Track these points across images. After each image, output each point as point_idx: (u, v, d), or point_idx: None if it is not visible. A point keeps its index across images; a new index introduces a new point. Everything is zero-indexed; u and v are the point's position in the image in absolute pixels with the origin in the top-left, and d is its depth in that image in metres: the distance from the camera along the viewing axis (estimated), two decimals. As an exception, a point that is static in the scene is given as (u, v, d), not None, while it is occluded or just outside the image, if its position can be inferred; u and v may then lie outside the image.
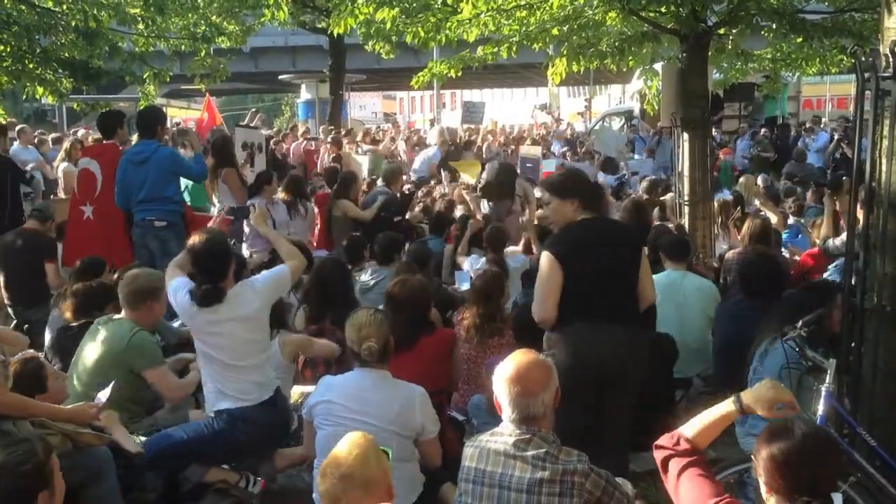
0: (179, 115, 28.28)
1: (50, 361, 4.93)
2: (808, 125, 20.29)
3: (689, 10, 7.10)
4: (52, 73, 10.01)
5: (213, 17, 12.58)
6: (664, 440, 2.80)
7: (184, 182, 7.45)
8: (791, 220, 8.94)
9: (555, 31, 8.07)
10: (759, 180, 12.55)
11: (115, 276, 5.44)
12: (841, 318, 4.31)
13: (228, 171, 8.05)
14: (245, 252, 7.64)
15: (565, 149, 20.83)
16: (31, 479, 2.53)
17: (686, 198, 7.96)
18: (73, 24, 9.52)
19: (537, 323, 4.08)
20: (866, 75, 4.25)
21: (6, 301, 6.94)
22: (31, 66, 9.76)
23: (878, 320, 4.21)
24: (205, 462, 4.33)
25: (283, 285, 4.52)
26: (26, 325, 6.56)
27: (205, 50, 11.84)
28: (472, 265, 6.93)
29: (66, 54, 9.91)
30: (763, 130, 19.03)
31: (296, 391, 5.03)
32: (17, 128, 12.66)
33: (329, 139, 15.31)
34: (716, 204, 8.38)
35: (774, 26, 7.69)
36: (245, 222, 7.44)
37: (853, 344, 4.27)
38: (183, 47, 11.70)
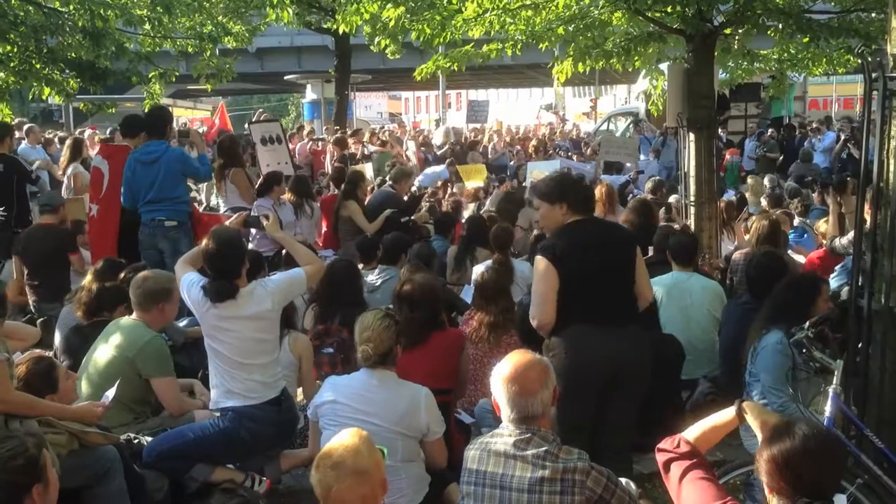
0: (185, 115, 28.40)
1: (59, 359, 4.94)
2: (815, 125, 20.23)
3: (695, 9, 7.09)
4: (59, 73, 10.06)
5: (219, 18, 12.61)
6: (665, 443, 2.81)
7: None
8: (797, 221, 8.91)
9: (560, 31, 8.07)
10: (766, 181, 12.53)
11: (122, 276, 5.45)
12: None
13: (236, 172, 8.08)
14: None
15: (567, 143, 20.84)
16: (22, 473, 2.54)
17: (692, 198, 7.94)
18: (80, 24, 9.56)
19: (535, 328, 4.05)
20: (874, 75, 4.24)
21: (29, 295, 7.00)
22: (37, 66, 9.80)
23: (886, 322, 4.21)
24: (210, 462, 4.33)
25: (297, 288, 4.53)
26: (42, 319, 6.59)
27: (210, 50, 11.86)
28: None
29: (73, 54, 9.95)
30: (770, 131, 18.99)
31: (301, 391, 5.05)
32: (25, 127, 12.69)
33: (332, 139, 15.31)
34: (721, 204, 8.36)
35: (781, 26, 7.68)
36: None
37: (860, 345, 4.26)
38: (189, 48, 11.71)
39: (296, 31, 24.54)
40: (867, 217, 4.40)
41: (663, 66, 9.58)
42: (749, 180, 12.82)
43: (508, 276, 5.39)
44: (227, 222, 5.20)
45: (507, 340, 4.99)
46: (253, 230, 7.69)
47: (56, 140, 13.69)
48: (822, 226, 8.10)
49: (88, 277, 5.44)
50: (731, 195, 10.65)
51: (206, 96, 33.73)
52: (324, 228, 9.08)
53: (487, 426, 4.52)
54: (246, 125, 19.43)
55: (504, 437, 2.97)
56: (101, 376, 4.42)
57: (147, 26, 10.55)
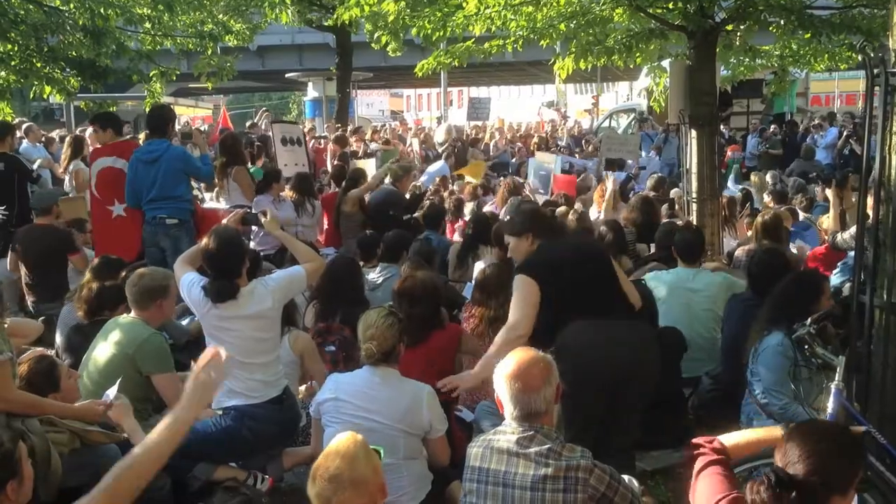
0: (187, 113, 28.38)
1: (61, 358, 4.94)
2: (816, 121, 20.19)
3: (696, 6, 7.08)
4: (60, 71, 10.06)
5: (220, 16, 12.60)
6: (700, 439, 2.80)
7: None
8: (801, 217, 8.90)
9: (562, 27, 8.07)
10: (768, 177, 12.52)
11: (123, 274, 5.45)
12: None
13: (238, 170, 8.10)
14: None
15: (568, 139, 20.81)
16: None
17: (694, 195, 7.94)
18: (81, 23, 9.56)
19: (514, 339, 3.99)
20: (875, 71, 4.23)
21: (28, 296, 7.00)
22: (38, 64, 9.80)
23: (888, 317, 4.20)
24: (213, 460, 4.33)
25: (297, 286, 4.53)
26: (41, 318, 6.60)
27: (211, 48, 11.85)
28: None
29: (74, 53, 9.95)
30: (772, 127, 18.96)
31: (303, 390, 5.05)
32: (25, 125, 12.70)
33: (332, 137, 15.30)
34: (723, 201, 8.35)
35: (782, 22, 7.68)
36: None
37: (862, 341, 4.25)
38: (190, 46, 11.71)
39: (297, 28, 24.55)
40: (869, 213, 4.39)
41: (665, 63, 9.58)
42: (753, 177, 12.82)
43: (509, 273, 5.36)
44: (224, 220, 5.19)
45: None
46: (255, 228, 7.71)
47: (57, 139, 13.70)
48: (825, 221, 8.09)
49: (87, 276, 5.44)
50: (735, 192, 10.64)
51: (208, 94, 33.77)
52: (325, 226, 9.09)
53: (488, 424, 4.51)
54: (247, 123, 19.42)
55: (507, 434, 2.97)
56: (102, 374, 4.41)
57: (147, 25, 10.55)
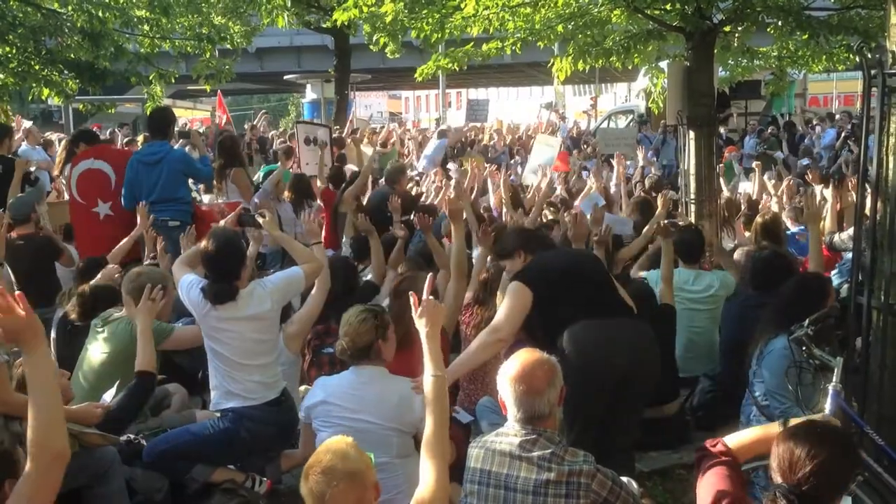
0: (185, 115, 28.37)
1: (55, 361, 4.93)
2: (814, 122, 20.20)
3: (694, 7, 7.09)
4: (58, 74, 10.06)
5: (219, 18, 12.61)
6: (707, 442, 2.80)
7: None
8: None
9: (560, 29, 8.08)
10: (766, 178, 12.51)
11: (118, 274, 5.44)
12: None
13: (237, 171, 8.10)
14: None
15: (567, 141, 20.80)
16: None
17: (692, 196, 7.94)
18: (79, 25, 9.56)
19: (494, 341, 4.02)
20: (873, 72, 4.24)
21: None
22: (37, 67, 9.81)
23: (885, 318, 4.20)
24: (211, 462, 4.33)
25: (296, 287, 4.53)
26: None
27: (210, 51, 11.86)
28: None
29: (72, 55, 9.96)
30: (770, 128, 18.98)
31: (303, 390, 5.03)
32: (24, 127, 12.69)
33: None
34: (721, 202, 8.36)
35: (780, 23, 7.69)
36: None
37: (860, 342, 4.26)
38: (188, 48, 11.71)
39: (295, 30, 24.54)
40: (867, 213, 4.40)
41: (663, 64, 9.58)
42: (753, 165, 12.79)
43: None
44: (221, 222, 5.19)
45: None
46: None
47: (56, 141, 13.68)
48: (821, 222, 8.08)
49: (75, 280, 5.43)
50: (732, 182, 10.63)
51: (206, 96, 33.75)
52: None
53: (487, 423, 4.51)
54: (245, 125, 19.41)
55: (509, 436, 2.96)
56: (97, 374, 4.40)
57: (146, 27, 10.55)
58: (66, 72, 10.07)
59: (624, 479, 3.05)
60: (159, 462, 4.18)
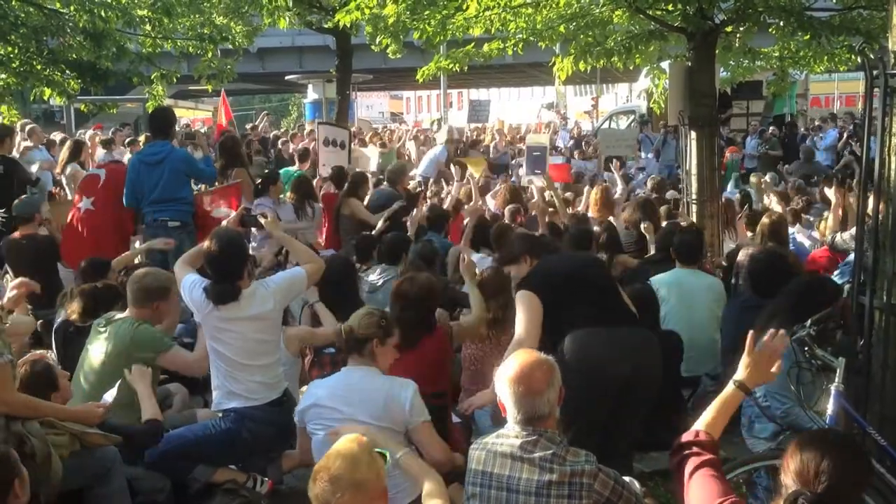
0: (187, 115, 28.38)
1: (57, 361, 4.93)
2: (816, 123, 20.18)
3: (696, 7, 7.09)
4: (60, 74, 10.07)
5: (220, 18, 12.60)
6: (685, 437, 2.79)
7: None
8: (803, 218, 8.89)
9: (561, 29, 8.08)
10: (768, 178, 12.52)
11: (122, 274, 5.44)
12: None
13: (239, 172, 8.11)
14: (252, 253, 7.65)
15: (570, 143, 20.80)
16: (3, 469, 2.56)
17: (694, 196, 7.94)
18: (81, 25, 9.56)
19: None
20: (875, 73, 4.24)
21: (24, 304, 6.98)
22: (39, 67, 9.82)
23: (888, 318, 4.19)
24: (212, 462, 4.33)
25: (298, 287, 4.52)
26: (39, 322, 6.59)
27: (212, 51, 11.86)
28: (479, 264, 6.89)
29: (74, 55, 9.96)
30: (771, 129, 18.98)
31: (304, 390, 5.03)
32: (28, 127, 12.70)
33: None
34: (723, 202, 8.35)
35: (782, 24, 7.69)
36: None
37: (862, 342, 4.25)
38: (190, 48, 11.72)
39: (297, 31, 24.48)
40: (869, 214, 4.39)
41: (665, 65, 9.58)
42: (752, 178, 12.82)
43: (508, 275, 5.35)
44: (224, 223, 5.19)
45: (506, 340, 4.97)
46: (254, 230, 7.71)
47: (58, 141, 13.70)
48: (822, 223, 8.09)
49: (76, 280, 5.44)
50: (734, 194, 10.65)
51: (208, 96, 33.77)
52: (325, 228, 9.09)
53: (487, 424, 4.51)
54: (247, 125, 19.41)
55: (510, 438, 2.95)
56: (97, 375, 4.40)
57: (147, 27, 10.55)
58: (68, 72, 10.07)
59: (626, 478, 3.04)
60: (161, 462, 4.18)
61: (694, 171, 7.89)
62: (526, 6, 7.90)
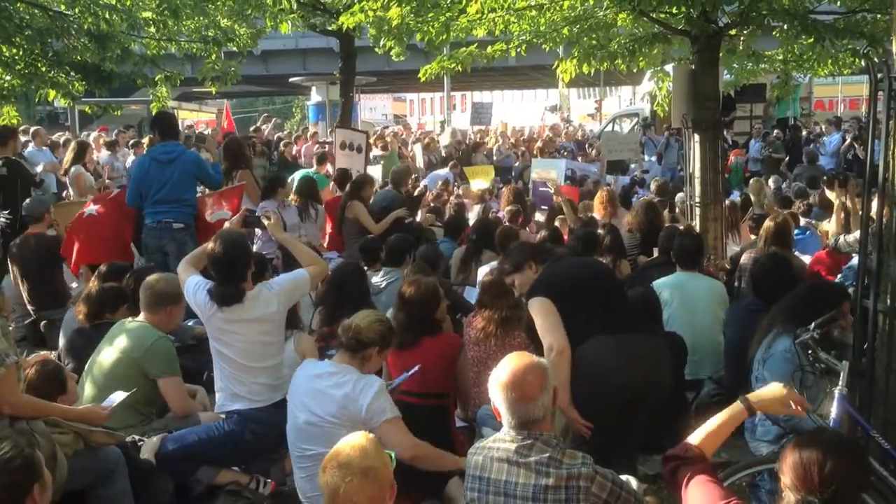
0: (190, 117, 28.40)
1: (63, 362, 4.95)
2: (820, 128, 20.11)
3: (699, 10, 7.08)
4: (65, 76, 10.07)
5: (224, 21, 12.60)
6: (675, 451, 2.80)
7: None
8: (802, 222, 8.89)
9: (565, 32, 8.07)
10: (771, 182, 12.50)
11: (129, 277, 5.46)
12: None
13: (243, 174, 8.15)
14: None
15: (572, 144, 20.82)
16: (22, 473, 2.58)
17: (697, 199, 7.93)
18: (86, 27, 9.56)
19: (557, 361, 3.87)
20: (879, 76, 4.24)
21: (28, 304, 7.00)
22: (43, 69, 9.82)
23: (892, 322, 4.19)
24: (215, 464, 4.34)
25: (301, 289, 4.53)
26: (43, 323, 6.62)
27: (216, 53, 11.88)
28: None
29: (79, 57, 9.96)
30: (775, 132, 18.96)
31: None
32: (32, 129, 12.74)
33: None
34: (726, 206, 8.35)
35: (786, 27, 7.66)
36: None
37: (866, 346, 4.25)
38: (194, 50, 11.73)
39: (300, 33, 24.55)
40: (873, 217, 4.39)
41: (668, 68, 9.58)
42: (752, 182, 12.81)
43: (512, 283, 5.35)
44: (226, 224, 5.20)
45: (510, 342, 4.98)
46: (258, 232, 7.73)
47: (62, 143, 13.74)
48: (825, 225, 8.07)
49: (93, 282, 5.45)
50: (735, 196, 10.64)
51: (211, 98, 33.81)
52: (328, 230, 9.10)
53: (489, 429, 4.50)
54: (251, 129, 19.44)
55: (506, 442, 2.93)
56: (107, 377, 4.42)
57: (152, 29, 10.57)
58: (72, 74, 10.08)
59: (623, 477, 3.03)
60: (164, 464, 4.19)
61: (697, 174, 7.88)
62: (529, 8, 7.90)
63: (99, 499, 3.90)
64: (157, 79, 10.87)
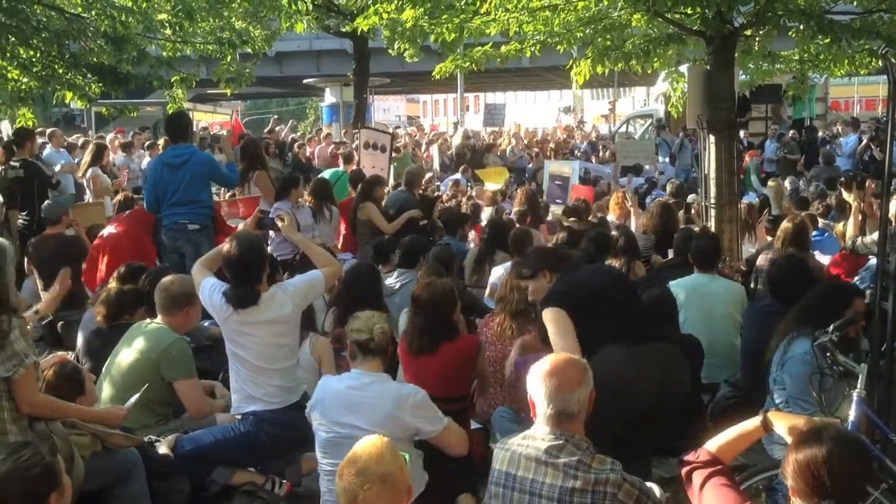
0: (205, 119, 28.56)
1: (81, 363, 4.98)
2: (836, 129, 19.95)
3: (714, 11, 7.04)
4: (81, 78, 10.14)
5: (239, 23, 12.67)
6: (689, 456, 2.79)
7: None
8: (820, 223, 8.82)
9: (579, 32, 8.05)
10: (787, 183, 12.42)
11: (145, 279, 5.48)
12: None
13: (260, 175, 8.20)
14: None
15: (585, 145, 20.76)
16: (40, 482, 2.60)
17: (713, 200, 7.89)
18: (102, 29, 9.63)
19: None
20: (897, 76, 4.20)
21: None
22: (60, 71, 9.89)
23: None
24: (231, 464, 4.35)
25: (316, 291, 4.54)
26: (60, 324, 6.65)
27: (230, 55, 11.94)
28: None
29: (95, 59, 10.03)
30: (791, 132, 18.85)
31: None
32: (49, 131, 12.84)
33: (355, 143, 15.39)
34: (742, 207, 8.30)
35: (802, 27, 7.61)
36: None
37: (884, 348, 4.21)
38: (209, 52, 11.80)
39: (314, 35, 24.63)
40: (892, 219, 4.35)
41: (683, 68, 9.54)
42: (770, 183, 12.74)
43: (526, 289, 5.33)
44: (241, 226, 5.22)
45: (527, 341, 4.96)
46: (272, 233, 7.76)
47: (79, 145, 13.84)
48: (840, 227, 8.00)
49: (112, 284, 5.48)
50: (752, 198, 10.58)
51: (226, 100, 33.99)
52: (342, 231, 9.13)
53: (505, 431, 4.49)
54: (264, 131, 19.49)
55: (536, 440, 2.93)
56: (125, 378, 4.44)
57: (168, 31, 10.63)
58: (88, 76, 10.15)
59: (648, 484, 3.03)
60: (180, 464, 4.20)
61: (713, 175, 7.83)
62: (543, 9, 7.89)
63: (116, 499, 3.92)
64: (172, 80, 10.93)
